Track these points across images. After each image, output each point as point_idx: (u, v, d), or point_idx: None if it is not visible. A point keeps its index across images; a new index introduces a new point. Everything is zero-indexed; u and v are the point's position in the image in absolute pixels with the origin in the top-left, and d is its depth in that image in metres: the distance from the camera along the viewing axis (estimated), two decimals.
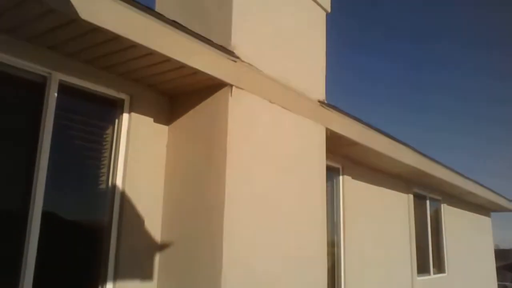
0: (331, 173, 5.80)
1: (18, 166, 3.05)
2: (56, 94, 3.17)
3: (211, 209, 3.44)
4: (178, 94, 3.89)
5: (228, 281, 3.28)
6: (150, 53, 3.07)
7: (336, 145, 5.26)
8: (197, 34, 3.34)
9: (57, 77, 3.19)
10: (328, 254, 4.67)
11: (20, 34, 2.88)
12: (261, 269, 3.65)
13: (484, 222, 12.59)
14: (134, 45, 2.96)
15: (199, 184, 3.59)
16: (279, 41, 4.33)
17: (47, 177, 3.07)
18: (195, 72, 3.34)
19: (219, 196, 3.41)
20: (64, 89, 3.24)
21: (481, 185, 10.09)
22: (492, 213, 13.22)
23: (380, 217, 6.95)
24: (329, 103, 4.81)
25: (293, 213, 4.14)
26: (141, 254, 3.61)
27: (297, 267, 4.08)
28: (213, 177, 3.49)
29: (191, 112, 3.76)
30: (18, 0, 2.46)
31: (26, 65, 3.03)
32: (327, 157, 4.80)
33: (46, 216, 3.06)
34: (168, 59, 3.16)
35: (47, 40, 2.97)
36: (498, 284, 13.95)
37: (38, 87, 3.12)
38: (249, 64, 3.81)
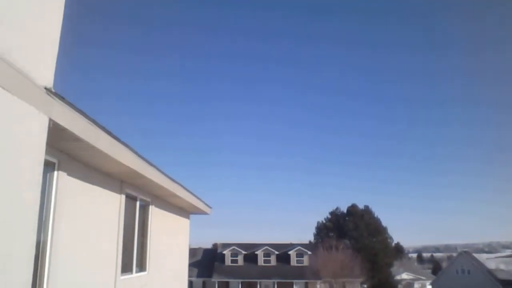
0: (46, 168, 5.34)
1: None
2: None
3: None
4: None
5: None
6: None
7: (56, 138, 4.89)
8: None
9: None
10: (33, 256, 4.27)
11: None
12: None
13: (184, 223, 13.74)
14: None
15: None
16: (8, 13, 3.78)
17: None
18: None
19: None
20: None
21: (186, 188, 11.02)
22: (191, 215, 14.56)
23: (92, 217, 6.78)
24: (57, 92, 4.45)
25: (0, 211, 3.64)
26: None
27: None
28: None
29: None
30: None
31: None
32: (45, 151, 4.41)
33: None
34: None
35: None
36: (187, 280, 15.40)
37: None
38: None
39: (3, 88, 3.65)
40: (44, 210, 5.39)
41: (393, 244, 72.54)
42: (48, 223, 5.44)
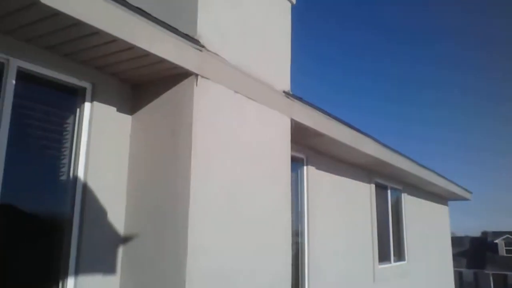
0: (296, 164, 5.84)
1: None
2: (14, 81, 3.05)
3: (176, 202, 3.40)
4: (142, 83, 3.81)
5: (192, 273, 3.26)
6: (113, 40, 2.99)
7: (300, 136, 5.30)
8: (162, 21, 3.27)
9: (15, 64, 3.06)
10: (292, 244, 4.71)
11: None
12: (225, 261, 3.65)
13: (441, 210, 13.01)
14: (96, 32, 2.87)
15: (163, 176, 3.54)
16: (244, 30, 4.31)
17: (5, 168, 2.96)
18: (161, 61, 3.28)
19: (185, 188, 3.37)
20: (23, 76, 3.12)
21: (440, 174, 10.42)
22: (449, 202, 13.69)
23: (343, 207, 7.07)
24: (294, 94, 4.83)
25: (258, 204, 4.15)
26: (104, 247, 3.53)
27: (261, 257, 4.10)
28: (178, 169, 3.45)
29: (155, 102, 3.70)
30: None
31: None
32: (292, 148, 4.83)
33: (2, 209, 2.96)
34: (131, 47, 3.08)
35: (4, 25, 2.84)
36: (454, 270, 14.49)
37: None
38: (214, 53, 3.77)
39: (251, 98, 4.17)
40: (299, 202, 5.89)
41: None
42: (304, 213, 5.92)
